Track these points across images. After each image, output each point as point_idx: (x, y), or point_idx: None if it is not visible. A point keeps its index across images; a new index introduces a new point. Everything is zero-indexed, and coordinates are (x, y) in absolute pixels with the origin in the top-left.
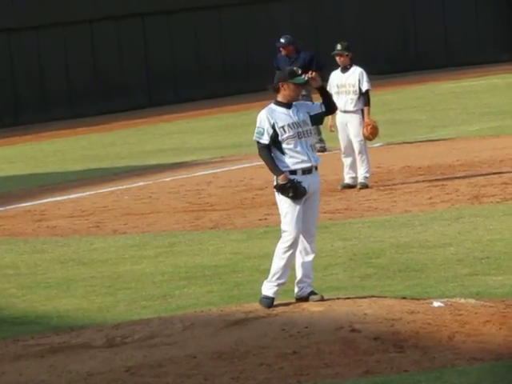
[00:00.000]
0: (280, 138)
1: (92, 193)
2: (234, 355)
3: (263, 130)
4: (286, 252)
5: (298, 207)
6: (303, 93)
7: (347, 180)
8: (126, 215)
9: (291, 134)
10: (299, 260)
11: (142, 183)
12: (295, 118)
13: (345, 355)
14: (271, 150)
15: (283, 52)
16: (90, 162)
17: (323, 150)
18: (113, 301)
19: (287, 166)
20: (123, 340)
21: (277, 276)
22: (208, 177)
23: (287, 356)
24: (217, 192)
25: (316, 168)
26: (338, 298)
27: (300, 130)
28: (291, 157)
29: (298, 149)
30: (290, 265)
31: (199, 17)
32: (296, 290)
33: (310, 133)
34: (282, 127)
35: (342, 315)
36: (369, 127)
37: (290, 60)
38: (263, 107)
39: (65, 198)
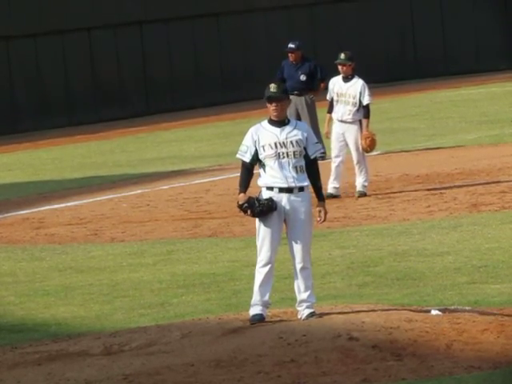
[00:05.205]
0: (260, 157)
1: (90, 201)
2: (231, 363)
3: (246, 147)
4: (261, 272)
5: (270, 230)
6: (309, 101)
7: (330, 190)
8: (124, 223)
9: (270, 153)
10: (295, 283)
11: (139, 191)
12: (281, 137)
13: (343, 363)
14: (252, 169)
15: (291, 57)
16: (88, 170)
17: (323, 157)
18: (111, 308)
19: (265, 183)
20: (121, 348)
21: (258, 295)
22: (206, 185)
23: (285, 364)
24: (215, 200)
25: (302, 189)
26: (336, 306)
27: (283, 150)
28: (269, 174)
29: (276, 168)
30: (269, 282)
31: (197, 25)
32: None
33: (298, 154)
34: (263, 146)
35: (340, 323)
36: (368, 139)
37: (295, 66)
38: (261, 116)
39: (63, 205)
